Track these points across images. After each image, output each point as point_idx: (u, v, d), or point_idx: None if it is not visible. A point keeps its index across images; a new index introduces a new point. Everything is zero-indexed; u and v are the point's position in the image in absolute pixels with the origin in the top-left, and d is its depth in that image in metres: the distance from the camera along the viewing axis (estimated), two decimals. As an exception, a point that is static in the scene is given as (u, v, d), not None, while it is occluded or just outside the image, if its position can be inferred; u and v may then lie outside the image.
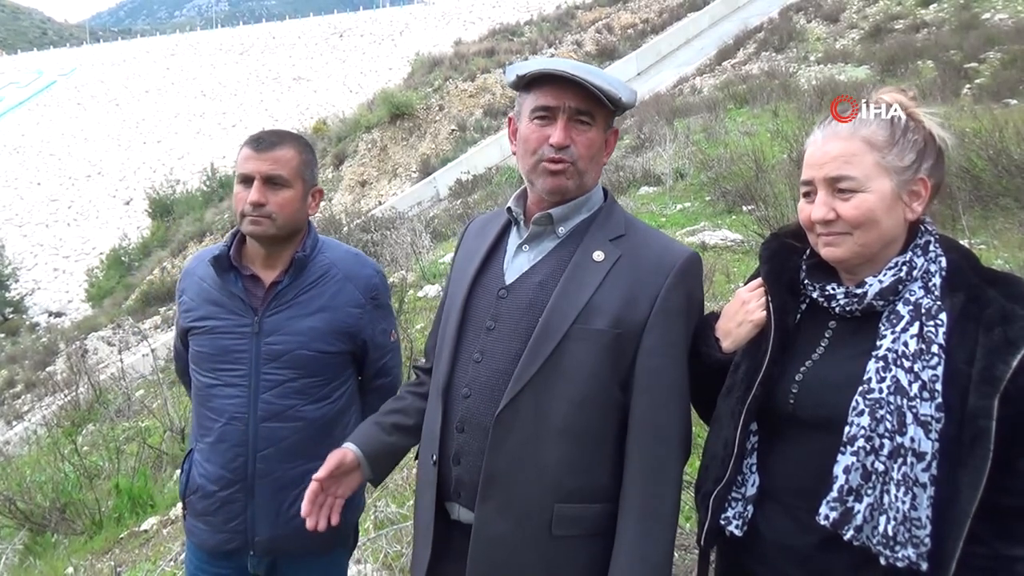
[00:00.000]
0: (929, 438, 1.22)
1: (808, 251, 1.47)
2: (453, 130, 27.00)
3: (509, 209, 1.66)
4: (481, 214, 1.78)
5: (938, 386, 1.23)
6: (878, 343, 1.29)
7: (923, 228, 1.36)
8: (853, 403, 1.27)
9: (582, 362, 1.47)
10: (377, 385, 2.18)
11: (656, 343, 1.48)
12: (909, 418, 1.22)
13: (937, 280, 1.31)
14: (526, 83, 1.55)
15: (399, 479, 4.10)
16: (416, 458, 1.74)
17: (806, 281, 1.44)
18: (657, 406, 1.49)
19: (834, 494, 1.26)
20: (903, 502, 1.21)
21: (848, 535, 1.25)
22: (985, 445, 1.19)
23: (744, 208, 8.00)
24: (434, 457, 1.59)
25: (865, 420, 1.25)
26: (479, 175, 20.86)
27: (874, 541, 1.24)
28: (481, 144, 24.48)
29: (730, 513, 1.43)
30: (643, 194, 10.26)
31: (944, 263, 1.33)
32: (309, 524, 1.65)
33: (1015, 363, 1.19)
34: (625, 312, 1.48)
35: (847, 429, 1.27)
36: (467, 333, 1.61)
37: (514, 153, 1.63)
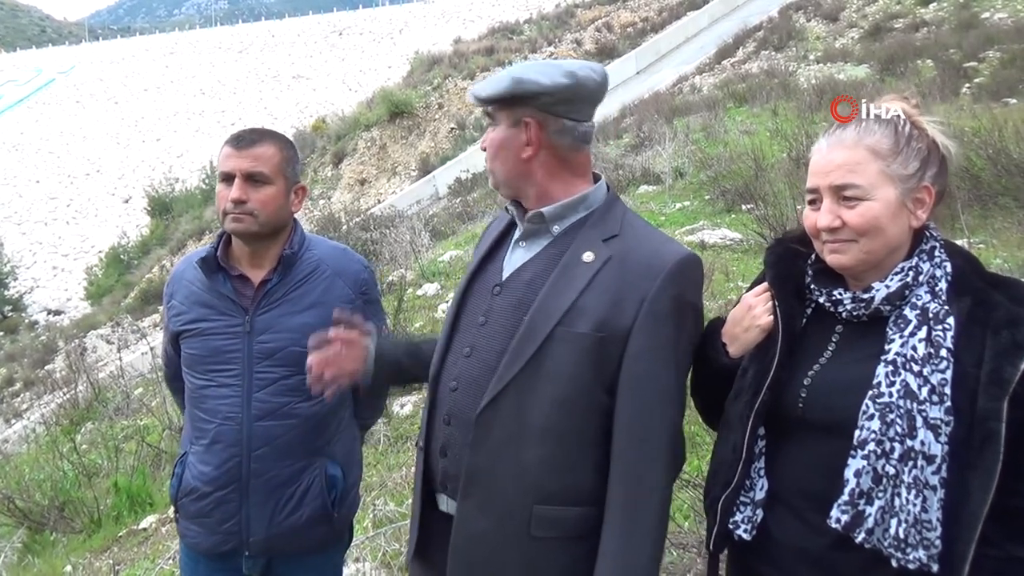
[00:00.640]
0: (939, 441, 1.23)
1: (813, 256, 1.48)
2: (452, 128, 26.99)
3: (507, 208, 1.66)
4: (500, 216, 1.78)
5: (947, 390, 1.24)
6: (887, 347, 1.31)
7: (928, 234, 1.38)
8: (863, 407, 1.28)
9: (564, 364, 1.45)
10: None
11: (642, 347, 1.44)
12: (919, 421, 1.24)
13: (943, 285, 1.33)
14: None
15: (397, 477, 4.11)
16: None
17: (812, 286, 1.45)
18: (641, 411, 1.45)
19: (845, 497, 1.28)
20: (914, 505, 1.23)
21: (860, 538, 1.26)
22: (995, 447, 1.20)
23: (743, 207, 7.99)
24: (420, 444, 1.64)
25: (875, 424, 1.26)
26: (478, 173, 20.82)
27: (885, 543, 1.25)
28: (480, 142, 24.44)
29: (739, 517, 1.43)
30: (642, 193, 10.26)
31: (949, 268, 1.35)
32: (311, 380, 1.69)
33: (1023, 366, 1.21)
34: (610, 315, 1.45)
35: (857, 433, 1.28)
36: (461, 326, 1.62)
37: None
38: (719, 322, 1.59)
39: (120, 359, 8.80)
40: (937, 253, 1.36)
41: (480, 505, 1.49)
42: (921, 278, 1.33)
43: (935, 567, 1.22)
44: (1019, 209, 6.11)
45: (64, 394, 8.74)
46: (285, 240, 2.01)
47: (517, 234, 1.63)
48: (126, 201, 42.05)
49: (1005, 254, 5.32)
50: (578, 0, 39.06)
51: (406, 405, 5.20)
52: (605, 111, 17.27)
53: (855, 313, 1.37)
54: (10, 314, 29.77)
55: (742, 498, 1.44)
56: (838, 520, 1.28)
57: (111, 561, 4.22)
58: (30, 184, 47.65)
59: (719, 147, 11.03)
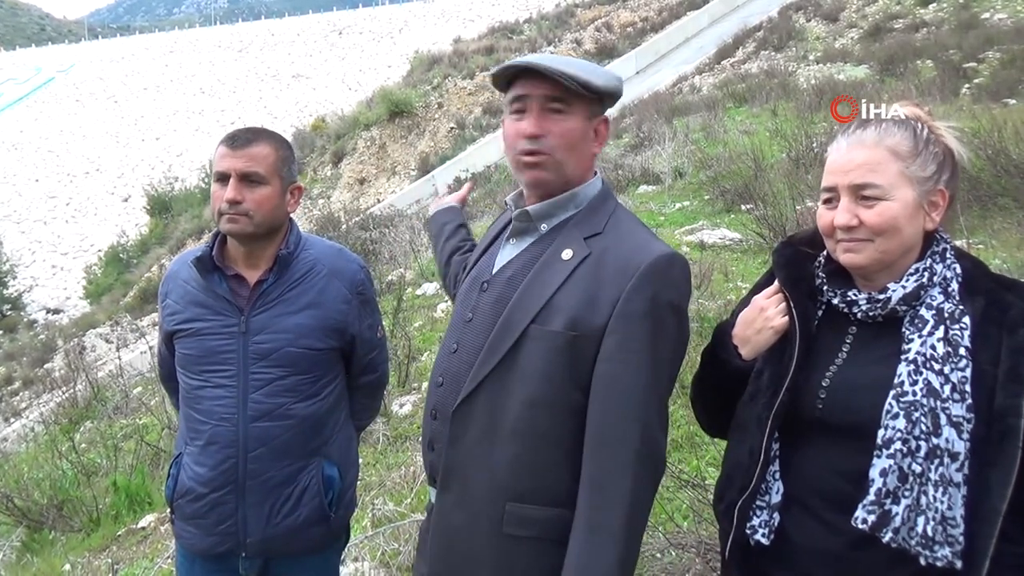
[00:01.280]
0: (961, 439, 1.25)
1: (822, 258, 1.49)
2: (452, 128, 26.99)
3: (506, 203, 1.67)
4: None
5: (967, 387, 1.26)
6: (905, 347, 1.32)
7: (939, 236, 1.40)
8: (887, 406, 1.29)
9: (537, 363, 1.43)
10: (364, 382, 2.18)
11: (614, 348, 1.41)
12: (943, 419, 1.25)
13: (955, 285, 1.35)
14: (505, 83, 1.55)
15: (396, 477, 4.10)
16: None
17: (825, 287, 1.46)
18: (608, 413, 1.41)
19: (871, 497, 1.28)
20: (941, 502, 1.24)
21: (887, 537, 1.27)
22: (1014, 443, 1.22)
23: (743, 207, 7.99)
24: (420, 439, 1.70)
25: (900, 423, 1.27)
26: (478, 173, 20.85)
27: (912, 542, 1.26)
28: (480, 142, 24.47)
29: (756, 522, 1.43)
30: (642, 193, 10.26)
31: (959, 269, 1.37)
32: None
33: None
34: (584, 314, 1.42)
35: (882, 432, 1.28)
36: (453, 322, 1.64)
37: None
38: (728, 324, 1.59)
39: (119, 358, 8.80)
40: (948, 255, 1.38)
41: (456, 500, 1.51)
42: (935, 279, 1.35)
43: (959, 564, 1.24)
44: (1018, 210, 6.10)
45: (63, 393, 8.74)
46: (281, 240, 2.00)
47: (507, 231, 1.63)
48: (125, 200, 42.01)
49: (1004, 254, 5.31)
50: (578, 0, 39.06)
51: (405, 404, 5.20)
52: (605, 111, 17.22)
53: (871, 314, 1.38)
54: (9, 313, 29.75)
55: (758, 502, 1.43)
56: (864, 520, 1.28)
57: (110, 560, 4.21)
58: (29, 183, 47.61)
59: (718, 147, 11.03)
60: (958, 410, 1.25)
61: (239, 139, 1.93)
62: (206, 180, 33.08)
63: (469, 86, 28.81)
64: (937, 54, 14.91)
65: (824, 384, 1.40)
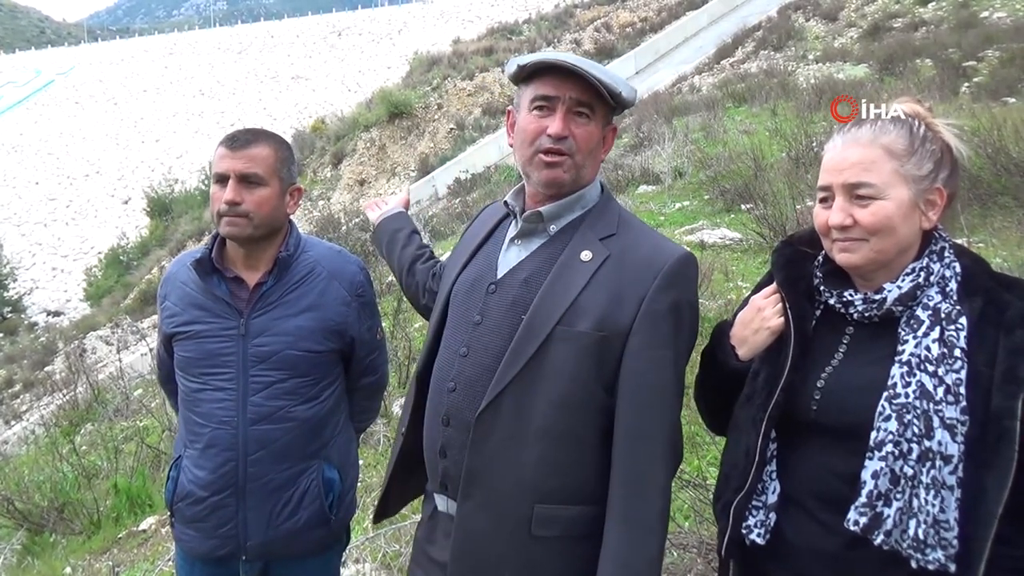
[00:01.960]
0: (955, 441, 1.23)
1: (820, 258, 1.48)
2: (452, 129, 26.98)
3: (506, 203, 1.66)
4: (496, 201, 1.78)
5: (962, 389, 1.25)
6: (900, 348, 1.31)
7: (937, 235, 1.39)
8: (879, 408, 1.28)
9: (564, 364, 1.45)
10: (364, 384, 2.17)
11: (641, 346, 1.45)
12: (936, 422, 1.24)
13: (953, 285, 1.33)
14: (527, 75, 1.54)
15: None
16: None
17: (822, 287, 1.45)
18: (640, 410, 1.45)
19: (863, 499, 1.27)
20: (933, 505, 1.23)
21: (878, 540, 1.26)
22: (1010, 445, 1.21)
23: (743, 207, 7.99)
24: (402, 430, 1.74)
25: (892, 425, 1.26)
26: (478, 174, 20.86)
27: (904, 545, 1.25)
28: (480, 143, 24.47)
29: (752, 521, 1.43)
30: (642, 193, 10.26)
31: (958, 268, 1.35)
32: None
33: None
34: (610, 314, 1.45)
35: (874, 434, 1.28)
36: (454, 324, 1.62)
37: (511, 146, 1.62)
38: (726, 324, 1.59)
39: (119, 360, 8.81)
40: (946, 254, 1.37)
41: (480, 505, 1.49)
42: (932, 279, 1.34)
43: (952, 567, 1.23)
44: (1018, 208, 6.10)
45: (63, 395, 8.75)
46: (281, 242, 2.00)
47: (512, 232, 1.62)
48: (125, 202, 42.02)
49: (1005, 253, 5.31)
50: (577, 0, 39.06)
51: (405, 406, 5.19)
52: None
53: (867, 314, 1.38)
54: (9, 315, 29.73)
55: (754, 502, 1.43)
56: (856, 523, 1.27)
57: (111, 563, 4.21)
58: (29, 185, 47.61)
59: (718, 147, 11.03)
60: (952, 412, 1.24)
61: (238, 140, 1.92)
62: (206, 182, 33.06)
63: (468, 87, 28.80)
64: (936, 53, 14.89)
65: (819, 385, 1.39)
